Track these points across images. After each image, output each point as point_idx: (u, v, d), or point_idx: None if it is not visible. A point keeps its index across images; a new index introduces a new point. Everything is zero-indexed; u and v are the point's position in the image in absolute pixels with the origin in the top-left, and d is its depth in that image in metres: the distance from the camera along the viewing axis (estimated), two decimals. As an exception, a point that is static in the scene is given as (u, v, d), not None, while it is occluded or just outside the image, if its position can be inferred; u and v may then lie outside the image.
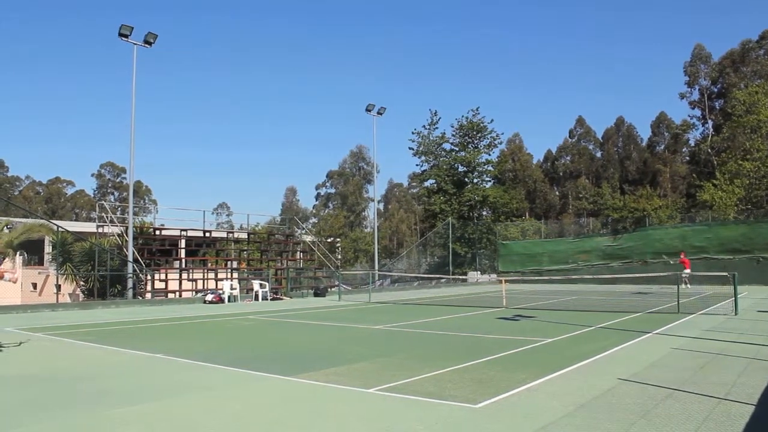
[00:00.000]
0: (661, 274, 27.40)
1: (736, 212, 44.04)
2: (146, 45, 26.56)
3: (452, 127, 54.80)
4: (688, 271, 28.87)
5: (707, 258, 33.54)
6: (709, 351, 9.57)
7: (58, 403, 6.51)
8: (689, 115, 75.06)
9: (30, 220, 34.05)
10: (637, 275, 29.72)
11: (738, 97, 54.11)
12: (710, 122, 71.36)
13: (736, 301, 16.19)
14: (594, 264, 38.84)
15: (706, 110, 71.65)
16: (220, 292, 24.76)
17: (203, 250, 34.90)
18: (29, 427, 5.47)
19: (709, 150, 65.61)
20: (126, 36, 25.90)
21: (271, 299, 25.90)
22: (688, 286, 28.22)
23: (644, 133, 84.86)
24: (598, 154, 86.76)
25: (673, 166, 75.99)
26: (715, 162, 60.43)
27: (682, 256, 30.87)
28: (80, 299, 27.97)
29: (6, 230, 27.73)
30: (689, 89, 72.88)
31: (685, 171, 73.43)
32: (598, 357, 9.12)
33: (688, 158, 76.96)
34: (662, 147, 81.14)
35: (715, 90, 71.85)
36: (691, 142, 76.34)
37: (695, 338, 11.23)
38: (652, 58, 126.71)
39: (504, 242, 45.52)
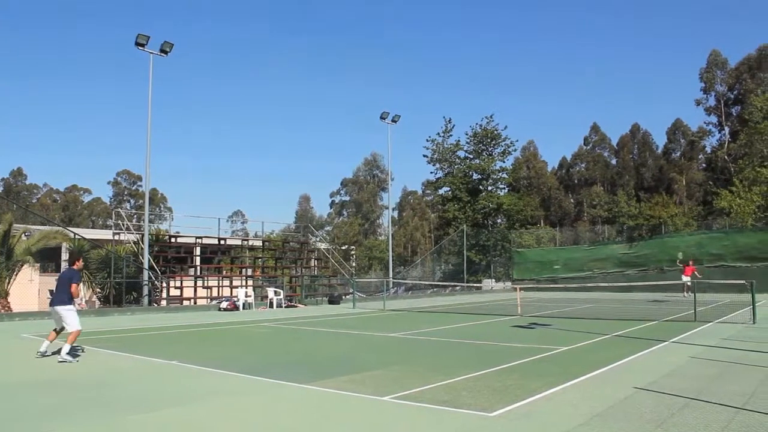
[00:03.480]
0: (678, 282, 27.13)
1: (755, 219, 43.55)
2: (162, 54, 26.76)
3: (466, 134, 54.84)
4: (686, 277, 28.38)
5: (724, 265, 33.21)
6: (727, 360, 9.47)
7: (75, 409, 6.56)
8: (705, 122, 74.45)
9: (47, 228, 34.33)
10: (653, 283, 29.43)
11: (755, 103, 53.70)
12: (727, 129, 70.67)
13: (754, 309, 16.02)
14: (609, 272, 38.62)
15: (723, 117, 71.03)
16: (235, 299, 24.86)
17: (218, 258, 35.03)
18: (47, 433, 5.52)
19: (726, 157, 65.06)
20: (142, 45, 26.13)
21: (285, 307, 25.95)
22: (685, 294, 27.96)
23: (660, 140, 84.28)
24: (613, 162, 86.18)
25: (690, 173, 75.34)
26: (732, 169, 59.92)
27: (690, 264, 30.14)
28: (96, 306, 28.16)
29: (24, 237, 27.95)
30: (705, 95, 72.31)
31: (702, 178, 72.72)
32: (614, 366, 9.05)
33: (704, 165, 76.25)
34: (678, 154, 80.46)
35: (732, 96, 71.21)
36: (708, 149, 75.69)
37: (713, 347, 11.12)
38: (667, 64, 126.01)
39: (519, 250, 45.43)
